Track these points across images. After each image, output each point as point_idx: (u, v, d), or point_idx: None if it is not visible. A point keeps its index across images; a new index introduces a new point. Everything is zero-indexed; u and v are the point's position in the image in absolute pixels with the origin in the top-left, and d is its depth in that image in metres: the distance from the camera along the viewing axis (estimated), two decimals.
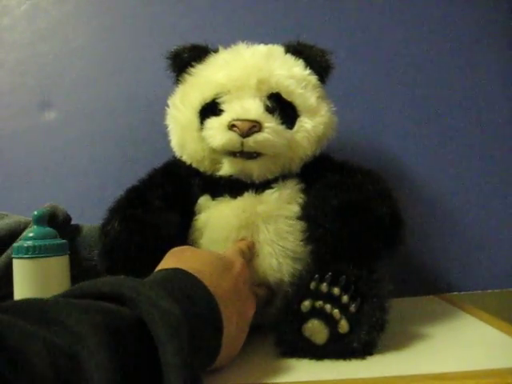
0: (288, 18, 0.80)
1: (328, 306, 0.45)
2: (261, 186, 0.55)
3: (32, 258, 0.50)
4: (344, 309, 0.45)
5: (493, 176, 0.78)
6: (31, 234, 0.51)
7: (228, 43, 0.61)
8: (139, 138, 0.75)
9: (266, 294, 0.54)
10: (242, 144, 0.51)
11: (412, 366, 0.43)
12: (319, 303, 0.45)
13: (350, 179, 0.53)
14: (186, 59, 0.59)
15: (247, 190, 0.55)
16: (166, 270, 0.41)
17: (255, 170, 0.54)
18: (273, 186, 0.55)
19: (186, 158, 0.58)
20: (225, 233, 0.53)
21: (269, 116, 0.53)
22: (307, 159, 0.56)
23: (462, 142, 0.79)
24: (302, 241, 0.52)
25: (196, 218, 0.56)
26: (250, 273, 0.49)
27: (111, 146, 0.77)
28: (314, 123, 0.55)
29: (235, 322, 0.41)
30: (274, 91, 0.55)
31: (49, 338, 0.26)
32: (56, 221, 0.59)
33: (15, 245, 0.51)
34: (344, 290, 0.45)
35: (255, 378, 0.41)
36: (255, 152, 0.53)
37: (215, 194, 0.56)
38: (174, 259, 0.45)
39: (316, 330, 0.45)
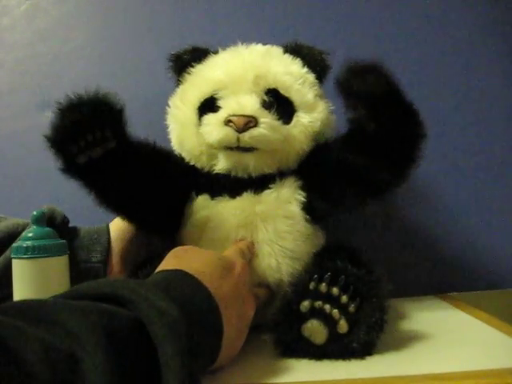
0: (288, 18, 0.80)
1: (327, 306, 0.45)
2: (259, 186, 0.55)
3: (31, 258, 0.50)
4: (343, 309, 0.45)
5: (493, 176, 0.78)
6: (30, 234, 0.51)
7: (227, 44, 0.61)
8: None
9: (266, 294, 0.54)
10: (238, 139, 0.52)
11: (411, 366, 0.43)
12: (318, 303, 0.45)
13: None
14: (186, 61, 0.60)
15: (246, 190, 0.55)
16: (166, 271, 0.41)
17: (251, 162, 0.54)
18: (271, 186, 0.55)
19: (185, 155, 0.59)
20: (224, 232, 0.54)
21: (265, 112, 0.54)
22: (304, 154, 0.56)
23: (462, 142, 0.79)
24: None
25: (194, 217, 0.56)
26: (249, 273, 0.49)
27: None
28: (311, 119, 0.56)
29: (235, 323, 0.41)
30: (272, 87, 0.55)
31: (47, 338, 0.26)
32: (54, 223, 0.59)
33: (14, 245, 0.51)
34: (343, 290, 0.45)
35: (254, 378, 0.41)
36: (251, 147, 0.53)
37: (214, 194, 0.56)
38: (175, 259, 0.45)
39: (315, 330, 0.45)
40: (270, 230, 0.53)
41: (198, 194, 0.57)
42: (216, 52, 0.61)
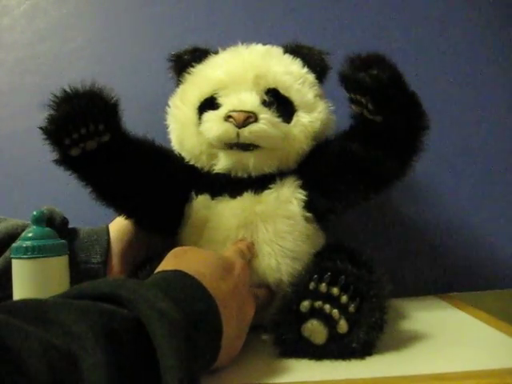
0: (288, 18, 0.80)
1: (327, 306, 0.45)
2: (260, 186, 0.55)
3: (31, 258, 0.50)
4: (343, 309, 0.45)
5: (493, 176, 0.78)
6: (30, 234, 0.51)
7: (227, 44, 0.61)
8: None
9: (266, 295, 0.54)
10: (238, 135, 0.52)
11: (412, 366, 0.43)
12: (318, 303, 0.45)
13: None
14: (186, 61, 0.60)
15: (246, 189, 0.55)
16: (166, 271, 0.41)
17: (251, 161, 0.54)
18: (271, 186, 0.55)
19: (185, 155, 0.59)
20: (224, 232, 0.54)
21: (265, 109, 0.54)
22: (304, 154, 0.56)
23: (462, 142, 0.79)
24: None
25: (194, 217, 0.56)
26: (249, 274, 0.49)
27: None
28: (311, 118, 0.56)
29: (235, 323, 0.41)
30: (272, 86, 0.55)
31: (46, 338, 0.26)
32: (53, 223, 0.59)
33: (14, 245, 0.51)
34: (343, 290, 0.45)
35: (254, 378, 0.41)
36: (251, 144, 0.53)
37: (214, 194, 0.56)
38: (174, 260, 0.45)
39: (315, 330, 0.45)
40: (270, 230, 0.53)
41: (197, 194, 0.57)
42: (216, 52, 0.61)
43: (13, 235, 0.58)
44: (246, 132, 0.52)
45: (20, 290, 0.50)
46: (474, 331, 0.54)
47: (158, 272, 0.42)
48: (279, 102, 0.55)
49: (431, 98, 0.78)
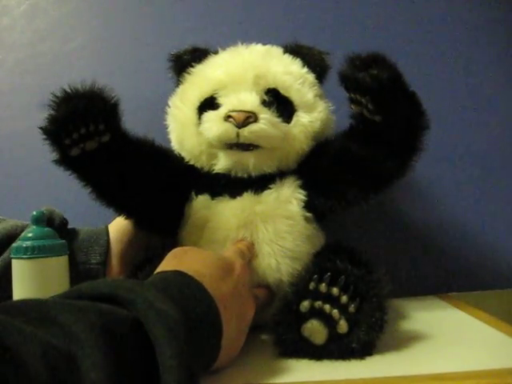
0: (288, 18, 0.80)
1: (327, 307, 0.45)
2: (259, 186, 0.55)
3: (31, 258, 0.50)
4: (343, 309, 0.45)
5: (493, 176, 0.78)
6: (30, 235, 0.51)
7: (227, 44, 0.61)
8: None
9: (266, 295, 0.54)
10: (238, 135, 0.52)
11: (412, 367, 0.43)
12: (318, 303, 0.45)
13: None
14: (186, 61, 0.61)
15: (246, 190, 0.55)
16: (166, 272, 0.41)
17: (251, 161, 0.54)
18: (271, 186, 0.55)
19: (184, 155, 0.59)
20: (224, 232, 0.54)
21: (265, 108, 0.54)
22: (304, 154, 0.56)
23: (462, 142, 0.79)
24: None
25: (194, 217, 0.56)
26: (249, 274, 0.49)
27: None
28: (311, 118, 0.56)
29: (235, 323, 0.41)
30: (271, 86, 0.56)
31: (45, 338, 0.26)
32: (53, 224, 0.59)
33: (14, 245, 0.51)
34: (343, 290, 0.45)
35: (254, 379, 0.41)
36: (251, 144, 0.53)
37: (214, 194, 0.56)
38: (174, 261, 0.45)
39: (315, 330, 0.45)
40: (270, 230, 0.53)
41: (197, 194, 0.57)
42: (216, 52, 0.61)
43: (12, 235, 0.58)
44: (246, 132, 0.52)
45: (20, 290, 0.50)
46: (474, 331, 0.54)
47: (158, 272, 0.42)
48: (279, 102, 0.55)
49: (431, 98, 0.79)
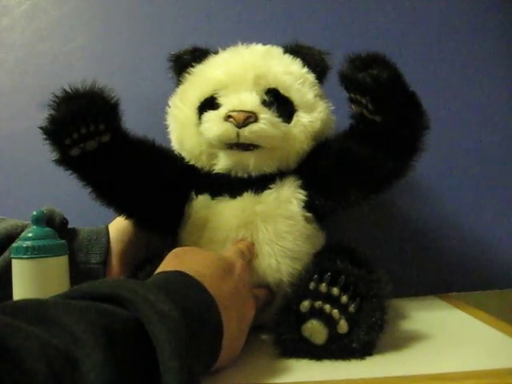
0: (288, 18, 0.80)
1: (327, 306, 0.45)
2: (260, 187, 0.55)
3: (31, 258, 0.50)
4: (343, 309, 0.45)
5: (493, 176, 0.78)
6: (30, 234, 0.51)
7: (227, 44, 0.61)
8: None
9: (266, 295, 0.54)
10: (238, 135, 0.52)
11: (412, 367, 0.43)
12: (318, 303, 0.45)
13: None
14: (186, 61, 0.61)
15: (246, 190, 0.55)
16: (166, 272, 0.41)
17: (251, 161, 0.54)
18: (271, 186, 0.55)
19: (185, 155, 0.59)
20: (224, 232, 0.54)
21: (265, 108, 0.54)
22: (304, 154, 0.56)
23: (463, 142, 0.79)
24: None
25: (195, 217, 0.56)
26: (249, 274, 0.49)
27: None
28: (311, 118, 0.56)
29: (235, 324, 0.41)
30: (272, 86, 0.56)
31: (46, 338, 0.26)
32: (53, 224, 0.59)
33: (14, 245, 0.51)
34: (343, 290, 0.45)
35: (254, 379, 0.41)
36: (251, 144, 0.53)
37: (214, 194, 0.56)
38: (175, 261, 0.45)
39: (315, 330, 0.45)
40: (270, 230, 0.53)
41: (197, 194, 0.57)
42: (216, 52, 0.61)
43: (12, 235, 0.58)
44: (246, 132, 0.52)
45: (20, 290, 0.50)
46: (474, 331, 0.54)
47: (159, 273, 0.42)
48: (279, 102, 0.55)
49: (431, 98, 0.79)
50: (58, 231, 0.54)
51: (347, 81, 0.49)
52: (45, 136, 0.49)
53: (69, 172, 0.52)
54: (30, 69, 0.81)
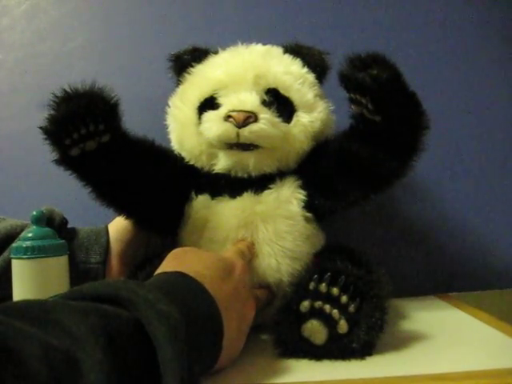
0: (288, 18, 0.80)
1: (327, 307, 0.45)
2: (260, 187, 0.55)
3: (31, 258, 0.50)
4: (343, 309, 0.45)
5: (493, 176, 0.78)
6: (30, 235, 0.51)
7: (227, 44, 0.61)
8: None
9: (267, 296, 0.54)
10: (238, 135, 0.52)
11: (412, 367, 0.43)
12: (318, 303, 0.45)
13: None
14: (186, 61, 0.61)
15: (246, 190, 0.55)
16: (167, 273, 0.41)
17: (251, 161, 0.54)
18: (271, 186, 0.55)
19: (184, 155, 0.59)
20: (224, 232, 0.54)
21: (265, 108, 0.54)
22: (304, 154, 0.56)
23: (463, 142, 0.79)
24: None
25: (194, 217, 0.56)
26: (250, 274, 0.49)
27: None
28: (311, 118, 0.56)
29: (236, 324, 0.41)
30: (272, 86, 0.56)
31: (46, 339, 0.26)
32: (52, 224, 0.59)
33: (14, 245, 0.51)
34: (343, 290, 0.45)
35: (254, 379, 0.41)
36: (251, 144, 0.53)
37: (214, 194, 0.56)
38: (175, 261, 0.45)
39: (315, 331, 0.45)
40: (270, 230, 0.53)
41: (197, 194, 0.57)
42: (216, 52, 0.61)
43: (12, 235, 0.58)
44: (246, 132, 0.52)
45: (20, 290, 0.50)
46: (474, 331, 0.54)
47: (159, 273, 0.42)
48: (279, 102, 0.55)
49: (431, 98, 0.79)
50: (58, 231, 0.55)
51: (347, 81, 0.49)
52: (45, 136, 0.49)
53: (69, 172, 0.52)
54: (30, 69, 0.81)
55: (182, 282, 0.39)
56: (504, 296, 0.75)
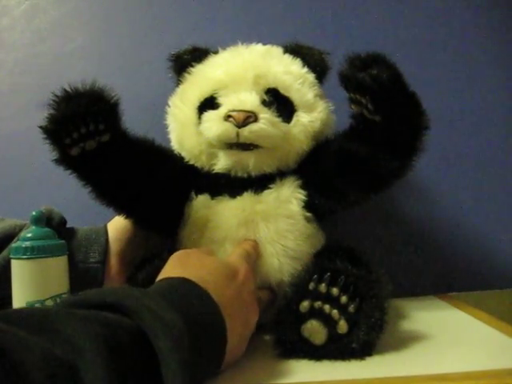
0: (288, 18, 0.80)
1: (327, 307, 0.45)
2: (260, 186, 0.55)
3: (30, 258, 0.49)
4: (343, 309, 0.45)
5: (493, 176, 0.78)
6: (29, 235, 0.51)
7: (227, 44, 0.61)
8: None
9: (269, 297, 0.54)
10: (238, 135, 0.52)
11: (411, 367, 0.43)
12: (318, 303, 0.45)
13: None
14: (186, 61, 0.61)
15: (246, 189, 0.55)
16: (170, 279, 0.41)
17: (251, 161, 0.54)
18: (271, 186, 0.55)
19: (184, 155, 0.59)
20: (224, 232, 0.54)
21: (265, 108, 0.54)
22: (304, 154, 0.56)
23: (463, 142, 0.79)
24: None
25: (194, 216, 0.56)
26: (254, 278, 0.49)
27: None
28: (311, 118, 0.56)
29: (239, 330, 0.41)
30: (272, 86, 0.56)
31: (48, 348, 0.26)
32: (51, 223, 0.59)
33: (13, 245, 0.51)
34: (343, 291, 0.45)
35: (254, 379, 0.41)
36: (251, 144, 0.53)
37: (214, 194, 0.56)
38: (178, 266, 0.45)
39: (315, 331, 0.45)
40: (272, 229, 0.53)
41: (197, 194, 0.57)
42: (216, 52, 0.61)
43: (11, 235, 0.58)
44: (246, 132, 0.52)
45: (19, 291, 0.50)
46: (474, 331, 0.54)
47: (162, 279, 0.41)
48: (279, 102, 0.55)
49: (431, 98, 0.78)
50: (57, 231, 0.54)
51: (347, 81, 0.48)
52: (45, 135, 0.49)
53: (68, 172, 0.52)
54: (30, 69, 0.81)
55: (186, 289, 0.39)
56: (504, 296, 0.75)
